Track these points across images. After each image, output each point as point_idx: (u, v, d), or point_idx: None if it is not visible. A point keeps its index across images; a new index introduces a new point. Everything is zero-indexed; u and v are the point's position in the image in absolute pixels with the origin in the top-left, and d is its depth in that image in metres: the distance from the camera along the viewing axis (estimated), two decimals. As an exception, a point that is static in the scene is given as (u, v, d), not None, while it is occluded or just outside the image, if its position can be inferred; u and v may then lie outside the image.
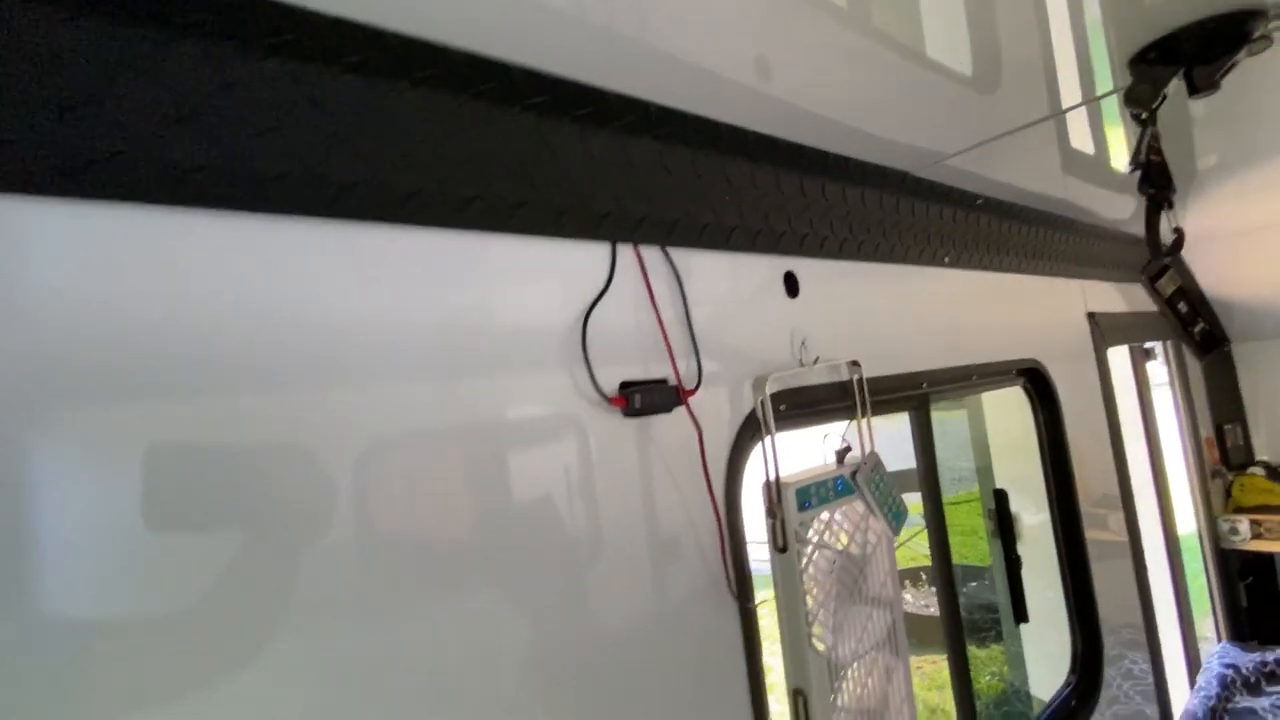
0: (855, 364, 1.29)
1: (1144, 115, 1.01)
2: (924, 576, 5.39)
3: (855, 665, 1.13)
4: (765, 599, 1.12)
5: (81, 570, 0.54)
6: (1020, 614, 1.85)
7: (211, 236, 0.63)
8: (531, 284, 0.88)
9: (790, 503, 1.06)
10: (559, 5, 0.71)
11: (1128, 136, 1.50)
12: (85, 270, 0.56)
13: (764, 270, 1.21)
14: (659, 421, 0.99)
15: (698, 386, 1.03)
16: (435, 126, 0.74)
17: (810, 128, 1.13)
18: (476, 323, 0.81)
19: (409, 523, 0.73)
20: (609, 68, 0.84)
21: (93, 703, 0.54)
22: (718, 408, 1.08)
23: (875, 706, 1.14)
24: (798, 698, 1.06)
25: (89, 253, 0.56)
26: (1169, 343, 3.00)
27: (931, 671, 5.00)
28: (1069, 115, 1.37)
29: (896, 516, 1.22)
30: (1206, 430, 3.09)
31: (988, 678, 4.18)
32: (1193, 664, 2.66)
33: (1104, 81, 1.16)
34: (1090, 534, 2.07)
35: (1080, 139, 1.56)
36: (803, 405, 1.22)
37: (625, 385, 0.95)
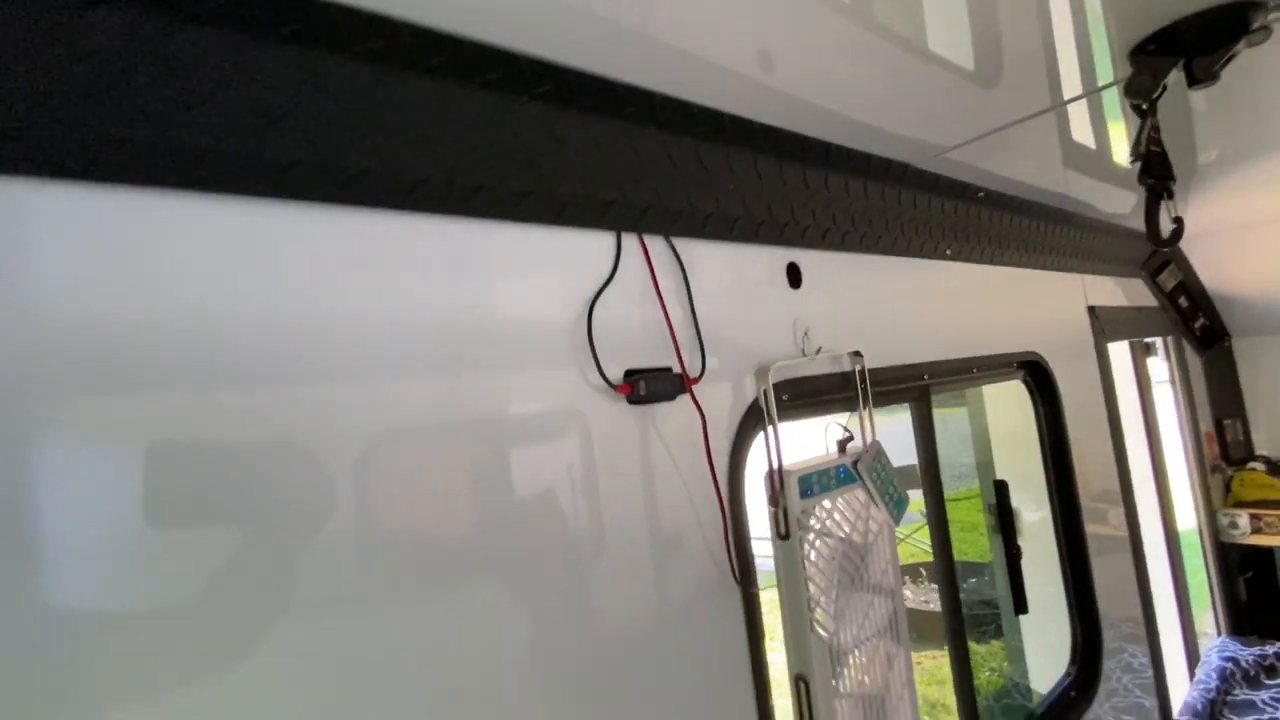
0: (857, 354, 1.30)
1: (1144, 106, 1.02)
2: (924, 572, 5.40)
3: (857, 652, 1.14)
4: (769, 598, 1.13)
5: (83, 564, 0.54)
6: (1020, 605, 1.86)
7: (214, 223, 0.63)
8: (537, 273, 0.89)
9: (793, 490, 1.07)
10: (566, -5, 0.72)
11: (1129, 130, 1.51)
12: (86, 256, 0.56)
13: (767, 261, 1.22)
14: (663, 409, 1.00)
15: (701, 375, 1.04)
16: (443, 115, 0.75)
17: (813, 119, 1.14)
18: (482, 310, 0.82)
19: (413, 514, 0.74)
20: (614, 58, 0.85)
21: (95, 696, 0.54)
22: (721, 396, 1.09)
23: (876, 693, 1.15)
24: (800, 683, 1.08)
25: (90, 239, 0.57)
26: (1169, 338, 3.01)
27: (931, 667, 5.02)
28: (1070, 110, 1.38)
29: (898, 505, 1.24)
30: (1206, 425, 3.10)
31: (987, 673, 4.20)
32: (1192, 657, 2.67)
33: (1104, 74, 1.17)
34: (1090, 528, 2.08)
35: (1082, 133, 1.57)
36: (805, 395, 1.23)
37: (630, 373, 0.96)
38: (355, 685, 0.67)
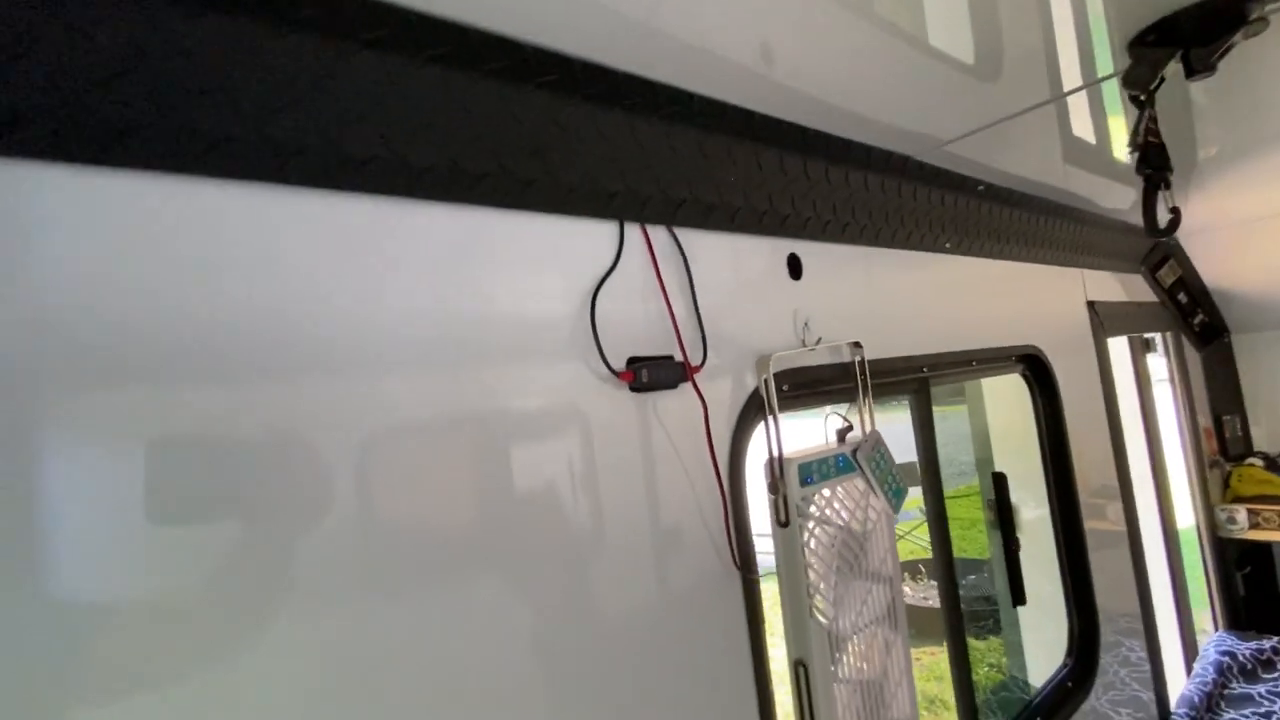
0: (857, 345, 1.31)
1: (1142, 97, 1.03)
2: (923, 569, 5.42)
3: (855, 638, 1.15)
4: (769, 592, 1.14)
5: (86, 557, 0.55)
6: (1018, 596, 1.87)
7: (218, 209, 0.63)
8: (540, 260, 0.90)
9: (793, 478, 1.09)
10: (571, -15, 0.73)
11: (1129, 125, 1.52)
12: (91, 241, 0.56)
13: (768, 252, 1.23)
14: (665, 397, 1.01)
15: (703, 364, 1.05)
16: (449, 103, 0.76)
17: (814, 111, 1.15)
18: (485, 297, 0.83)
19: (416, 502, 0.74)
20: (619, 48, 0.86)
21: (96, 688, 0.54)
22: (722, 385, 1.11)
23: (875, 679, 1.16)
24: (799, 668, 1.09)
25: (95, 224, 0.57)
26: (1169, 333, 3.02)
27: (930, 663, 5.04)
28: (1071, 104, 1.38)
29: (897, 495, 1.25)
30: (1205, 421, 3.11)
31: (986, 669, 4.22)
32: (1190, 652, 2.69)
33: (1104, 66, 1.17)
34: (1089, 524, 2.09)
35: (1082, 127, 1.58)
36: (805, 385, 1.24)
37: (633, 361, 0.97)
38: (357, 676, 0.67)
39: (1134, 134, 1.09)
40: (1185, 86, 1.26)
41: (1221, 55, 0.90)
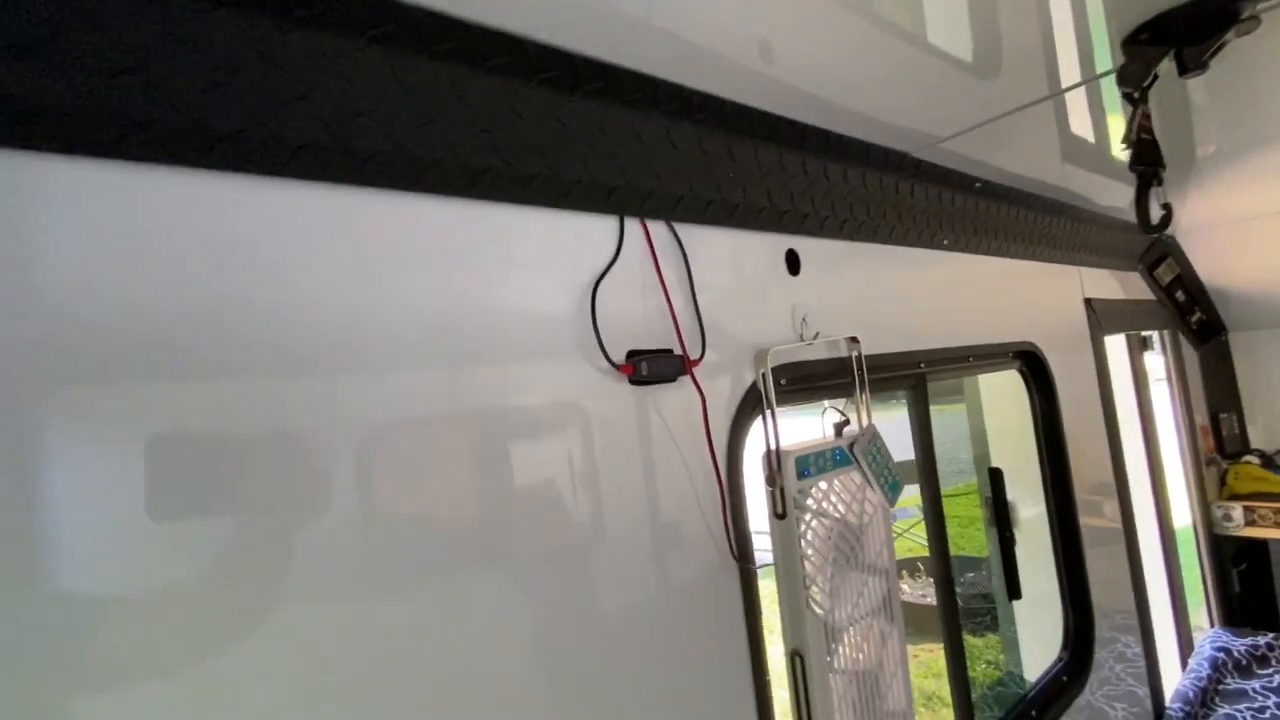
0: (854, 340, 1.33)
1: (1135, 95, 1.04)
2: (921, 567, 5.44)
3: (851, 629, 1.17)
4: (767, 590, 1.15)
5: (88, 551, 0.55)
6: (1014, 591, 1.89)
7: (223, 203, 0.64)
8: (541, 254, 0.91)
9: (790, 470, 1.10)
10: (572, -18, 0.74)
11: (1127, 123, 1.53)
12: (95, 234, 0.57)
13: (766, 247, 1.25)
14: (664, 390, 1.03)
15: (701, 357, 1.07)
16: (452, 99, 0.77)
17: (813, 108, 1.16)
18: (486, 290, 0.84)
19: (417, 491, 0.75)
20: (619, 45, 0.87)
21: (98, 681, 0.55)
22: (720, 379, 1.12)
23: (870, 669, 1.18)
24: (795, 658, 1.10)
25: (99, 218, 0.57)
26: (1166, 331, 3.03)
27: (928, 660, 5.06)
28: (1069, 102, 1.40)
29: (893, 488, 1.26)
30: (1202, 419, 3.12)
31: (984, 665, 4.24)
32: (1186, 647, 2.70)
33: (1102, 63, 1.18)
34: (1085, 520, 2.11)
35: (1080, 125, 1.59)
36: (802, 379, 1.26)
37: (632, 354, 0.98)
38: (357, 670, 0.68)
39: (1127, 131, 1.10)
40: (1184, 84, 1.27)
41: (1214, 53, 0.91)
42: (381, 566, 0.71)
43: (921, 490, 1.66)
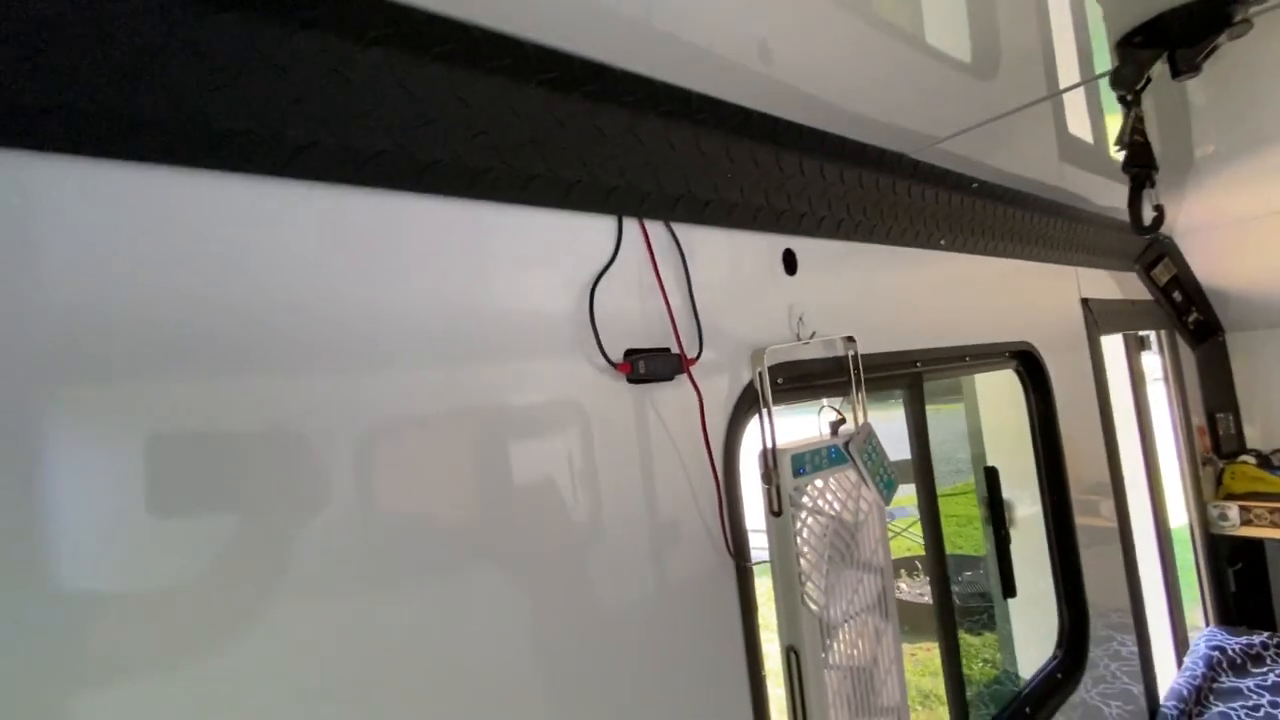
0: (850, 339, 1.33)
1: (1129, 97, 1.05)
2: (919, 566, 5.46)
3: (846, 626, 1.18)
4: (763, 588, 1.16)
5: (89, 548, 0.56)
6: (1009, 589, 1.90)
7: (224, 202, 0.65)
8: (540, 254, 0.92)
9: (785, 468, 1.11)
10: (571, -15, 0.75)
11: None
12: (96, 234, 0.58)
13: (764, 247, 1.25)
14: (662, 389, 1.04)
15: (699, 356, 1.08)
16: (452, 100, 0.78)
17: (810, 109, 1.17)
18: (486, 289, 0.85)
19: (415, 491, 0.76)
20: (617, 47, 0.88)
21: (97, 678, 0.55)
22: (718, 378, 1.13)
23: (865, 665, 1.19)
24: (791, 654, 1.12)
25: (101, 217, 0.58)
26: (1163, 331, 3.04)
27: (926, 659, 5.07)
28: (1067, 102, 1.40)
29: (888, 486, 1.27)
30: (1199, 418, 3.14)
31: (981, 664, 4.25)
32: (1181, 646, 2.72)
33: (1101, 64, 1.19)
34: (1081, 519, 2.12)
35: (1078, 126, 1.59)
36: (799, 378, 1.27)
37: (630, 352, 0.99)
38: (356, 667, 0.69)
39: (1121, 133, 1.11)
40: (1183, 86, 1.28)
41: (1206, 56, 0.92)
42: (380, 565, 0.72)
43: (917, 489, 1.67)
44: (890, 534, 1.31)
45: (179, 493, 0.61)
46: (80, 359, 0.57)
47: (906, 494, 1.71)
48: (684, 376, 1.06)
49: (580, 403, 0.94)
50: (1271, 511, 2.87)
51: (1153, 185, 1.13)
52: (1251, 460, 3.08)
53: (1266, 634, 2.65)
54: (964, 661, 1.70)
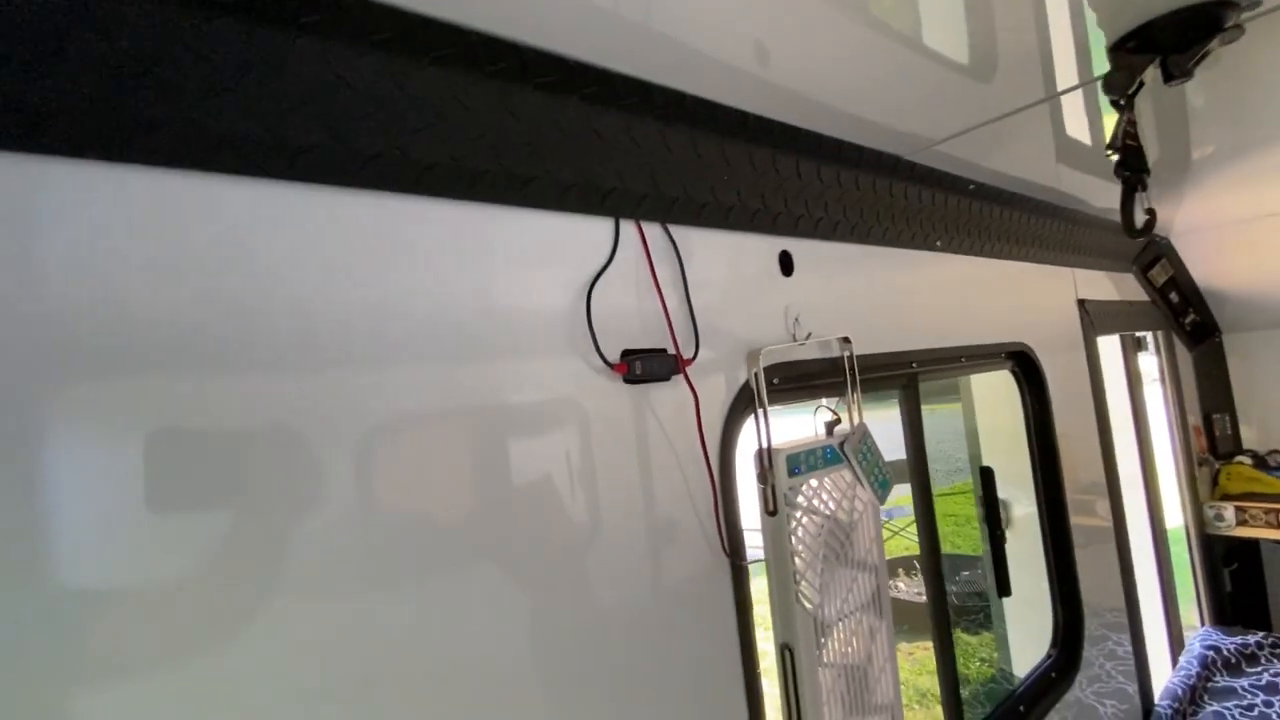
0: (846, 340, 1.34)
1: (1121, 101, 1.06)
2: (917, 565, 5.47)
3: (840, 624, 1.19)
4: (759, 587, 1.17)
5: (86, 546, 0.56)
6: (1003, 588, 1.91)
7: (225, 205, 0.66)
8: (538, 256, 0.93)
9: (781, 468, 1.12)
10: (568, -11, 0.76)
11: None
12: (100, 236, 0.58)
13: (760, 249, 1.26)
14: (658, 389, 1.05)
15: (695, 357, 1.08)
16: (450, 103, 0.79)
17: (807, 111, 1.18)
18: (483, 290, 0.86)
19: (414, 491, 0.77)
20: (615, 50, 0.89)
21: (96, 676, 0.56)
22: (714, 378, 1.14)
23: (859, 663, 1.20)
24: (785, 652, 1.13)
25: (105, 219, 0.59)
26: (1160, 333, 3.05)
27: (923, 658, 5.09)
28: (1065, 104, 1.41)
29: (883, 486, 1.28)
30: (1195, 419, 3.15)
31: (978, 663, 4.26)
32: (1176, 646, 2.73)
33: (1099, 66, 1.19)
34: (1076, 519, 2.13)
35: (1075, 128, 1.60)
36: (795, 379, 1.28)
37: (627, 353, 1.00)
38: (355, 665, 0.69)
39: (1113, 137, 1.12)
40: (1181, 88, 1.28)
41: (1198, 62, 0.93)
42: (379, 564, 0.73)
43: (912, 489, 1.68)
44: (888, 533, 1.32)
45: (179, 492, 0.61)
46: (80, 359, 0.58)
47: (904, 493, 1.72)
48: (680, 377, 1.06)
49: (577, 403, 0.95)
50: (1267, 512, 2.89)
51: (1145, 189, 1.14)
52: (1247, 461, 3.10)
53: (1261, 634, 2.66)
54: (961, 661, 1.71)
